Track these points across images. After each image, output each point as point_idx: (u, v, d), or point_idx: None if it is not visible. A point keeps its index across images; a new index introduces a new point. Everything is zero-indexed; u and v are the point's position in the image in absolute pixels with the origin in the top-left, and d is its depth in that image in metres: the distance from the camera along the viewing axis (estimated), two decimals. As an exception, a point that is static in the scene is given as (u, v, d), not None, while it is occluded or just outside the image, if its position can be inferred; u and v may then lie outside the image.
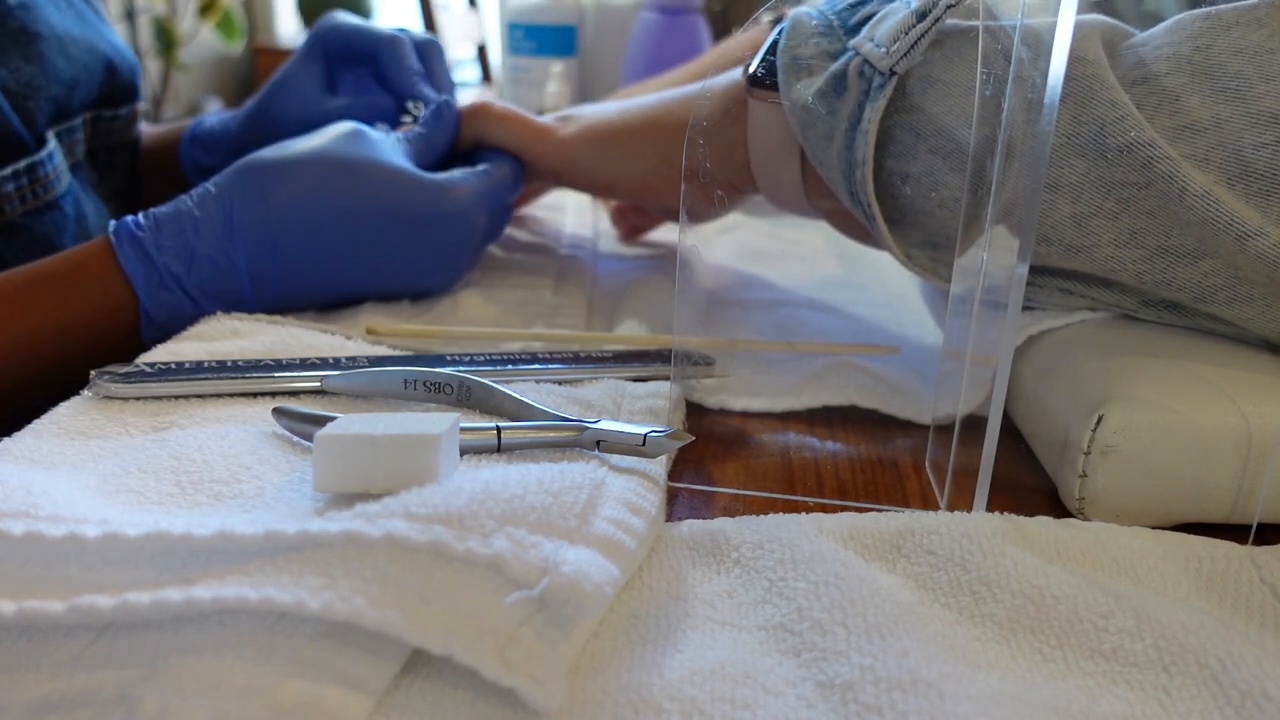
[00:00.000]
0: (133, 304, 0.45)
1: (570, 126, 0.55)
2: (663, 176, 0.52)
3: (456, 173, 0.51)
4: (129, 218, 0.46)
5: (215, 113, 0.67)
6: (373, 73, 0.61)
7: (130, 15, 2.71)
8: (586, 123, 0.54)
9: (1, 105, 0.52)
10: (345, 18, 0.63)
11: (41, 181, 0.54)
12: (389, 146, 0.50)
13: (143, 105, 0.66)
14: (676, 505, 0.36)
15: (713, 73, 0.47)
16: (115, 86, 0.62)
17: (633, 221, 0.67)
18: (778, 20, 0.47)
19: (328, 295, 0.50)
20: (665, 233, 0.68)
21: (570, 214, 0.73)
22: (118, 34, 0.65)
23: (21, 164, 0.53)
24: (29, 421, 0.36)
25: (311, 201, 0.47)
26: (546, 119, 0.57)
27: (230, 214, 0.46)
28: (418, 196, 0.49)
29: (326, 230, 0.47)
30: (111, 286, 0.45)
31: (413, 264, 0.50)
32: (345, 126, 0.50)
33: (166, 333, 0.45)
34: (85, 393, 0.38)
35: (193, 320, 0.45)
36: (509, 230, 0.67)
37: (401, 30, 0.62)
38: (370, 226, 0.48)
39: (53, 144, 0.56)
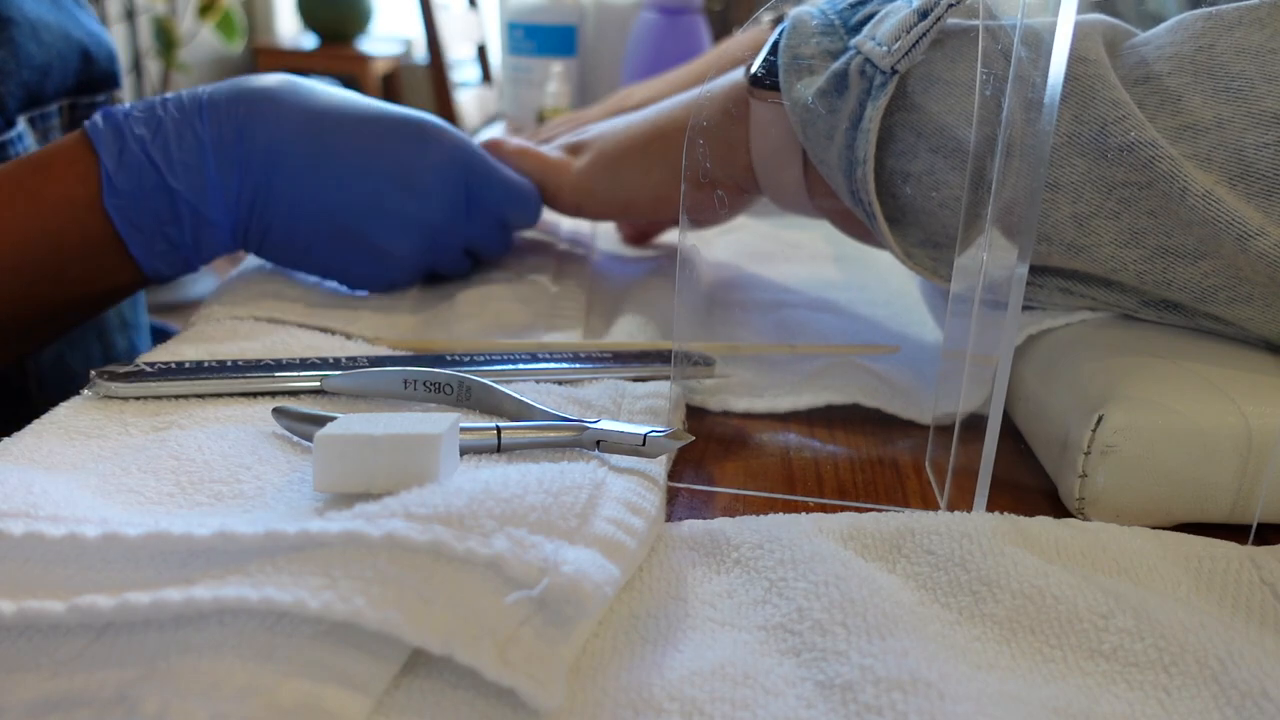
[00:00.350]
0: (96, 172, 0.44)
1: (581, 157, 0.55)
2: (675, 187, 0.52)
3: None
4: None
5: None
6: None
7: (130, 15, 2.71)
8: (596, 149, 0.54)
9: None
10: None
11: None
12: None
13: (120, 93, 0.66)
14: (676, 505, 0.36)
15: (713, 73, 0.47)
16: (92, 74, 0.62)
17: (639, 226, 0.67)
18: (778, 20, 0.47)
19: (297, 199, 0.48)
20: (666, 234, 0.68)
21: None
22: (97, 20, 0.65)
23: None
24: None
25: (284, 106, 0.48)
26: (555, 147, 0.57)
27: (199, 97, 0.47)
28: (402, 120, 0.50)
29: (293, 115, 0.48)
30: (79, 154, 0.45)
31: (391, 182, 0.49)
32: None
33: (128, 211, 0.45)
34: (85, 392, 0.38)
35: (157, 206, 0.45)
36: None
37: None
38: (340, 119, 0.49)
39: (21, 127, 0.56)
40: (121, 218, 0.45)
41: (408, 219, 0.50)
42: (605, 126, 0.56)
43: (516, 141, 0.56)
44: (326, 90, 0.50)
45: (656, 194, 0.53)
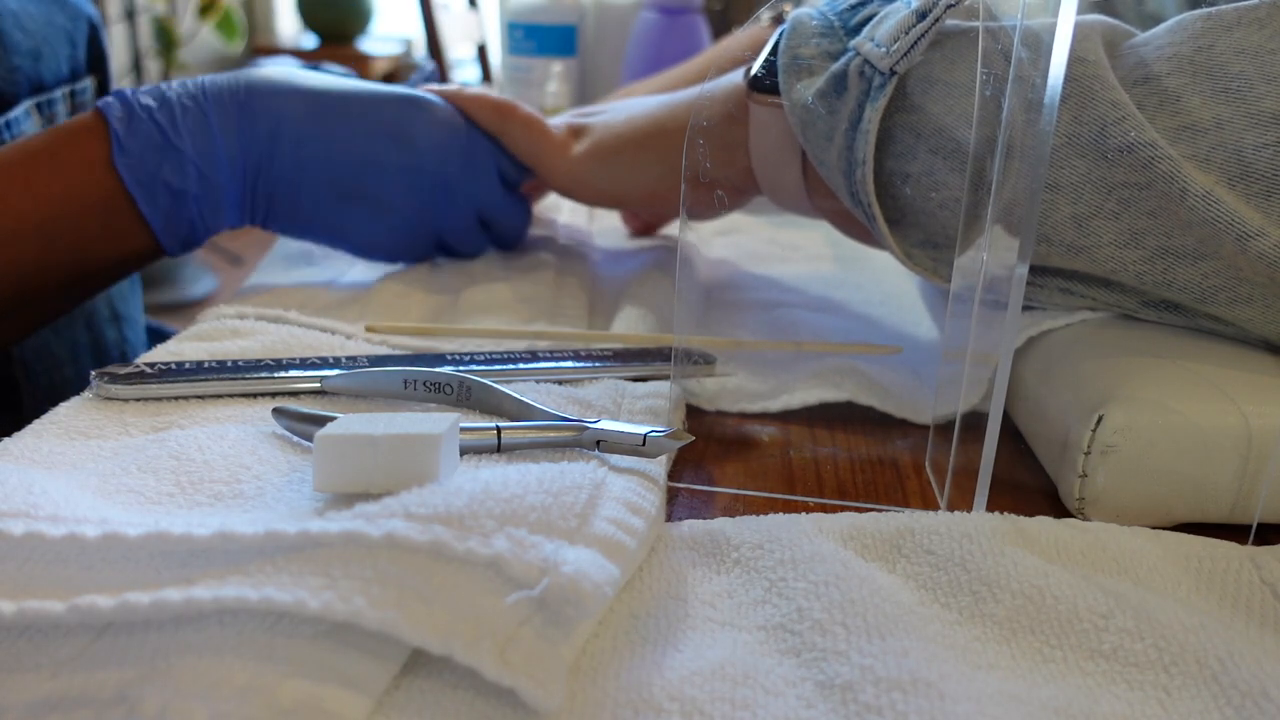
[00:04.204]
0: (106, 134, 0.47)
1: (581, 142, 0.55)
2: (670, 185, 0.53)
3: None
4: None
5: None
6: None
7: (130, 15, 2.70)
8: (596, 138, 0.54)
9: None
10: None
11: None
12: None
13: (101, 77, 0.66)
14: (676, 505, 0.36)
15: (713, 72, 0.47)
16: (77, 59, 0.64)
17: (643, 219, 0.67)
18: (778, 19, 0.47)
19: (299, 163, 0.51)
20: (667, 228, 0.69)
21: (565, 209, 0.73)
22: (92, 5, 0.66)
23: None
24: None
25: (287, 95, 0.50)
26: (562, 119, 0.57)
27: (201, 80, 0.50)
28: (396, 92, 0.53)
29: (296, 96, 0.50)
30: (91, 123, 0.47)
31: (397, 147, 0.52)
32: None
33: (136, 170, 0.47)
34: (85, 393, 0.38)
35: (163, 162, 0.47)
36: None
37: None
38: (342, 97, 0.51)
39: (18, 111, 0.56)
40: (131, 176, 0.47)
41: (402, 168, 0.52)
42: (608, 115, 0.56)
43: (526, 110, 0.56)
44: (325, 74, 0.52)
45: (651, 190, 0.54)
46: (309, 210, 0.51)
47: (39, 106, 0.59)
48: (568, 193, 0.57)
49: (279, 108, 0.50)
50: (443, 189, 0.53)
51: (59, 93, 0.61)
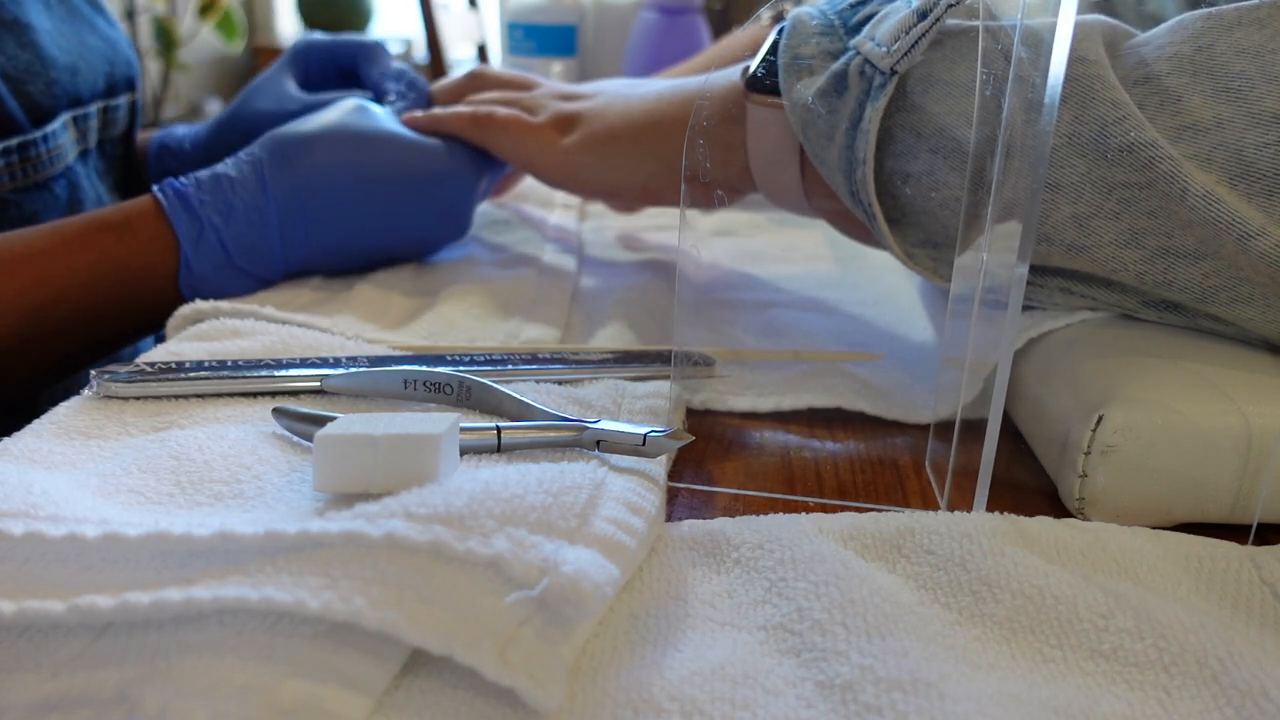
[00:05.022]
0: (175, 251, 0.49)
1: (571, 134, 0.55)
2: (664, 180, 0.52)
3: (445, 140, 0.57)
4: (171, 179, 0.51)
5: (182, 125, 0.71)
6: (346, 75, 0.66)
7: (130, 15, 2.71)
8: (586, 130, 0.54)
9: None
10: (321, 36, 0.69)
11: (32, 160, 0.56)
12: (389, 117, 0.56)
13: (133, 96, 0.68)
14: (676, 505, 0.36)
15: (713, 69, 0.47)
16: (114, 77, 0.65)
17: (631, 206, 0.67)
18: (778, 18, 0.47)
19: (351, 252, 0.54)
20: (655, 234, 0.69)
21: (557, 209, 0.73)
22: (116, 25, 0.67)
23: (13, 141, 0.54)
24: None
25: (332, 167, 0.52)
26: (547, 91, 0.58)
27: (263, 177, 0.51)
28: (421, 157, 0.54)
29: (346, 191, 0.52)
30: (159, 233, 0.49)
31: (423, 217, 0.55)
32: (351, 102, 0.56)
33: (199, 288, 0.49)
34: (85, 392, 0.38)
35: (224, 281, 0.50)
36: (493, 223, 0.67)
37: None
38: (383, 186, 0.53)
39: (56, 124, 0.58)
40: (192, 295, 0.49)
41: (452, 228, 0.57)
42: (600, 103, 0.56)
43: (504, 113, 0.56)
44: (377, 137, 0.54)
45: (645, 184, 0.54)
46: (339, 248, 0.54)
47: (75, 120, 0.60)
48: (559, 185, 0.57)
49: (325, 201, 0.52)
50: (456, 222, 0.57)
51: (93, 108, 0.62)
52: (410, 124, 0.56)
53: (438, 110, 0.58)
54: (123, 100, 0.66)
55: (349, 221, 0.53)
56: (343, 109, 0.55)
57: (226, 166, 0.51)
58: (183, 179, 0.50)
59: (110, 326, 0.49)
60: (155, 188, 0.50)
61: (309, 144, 0.52)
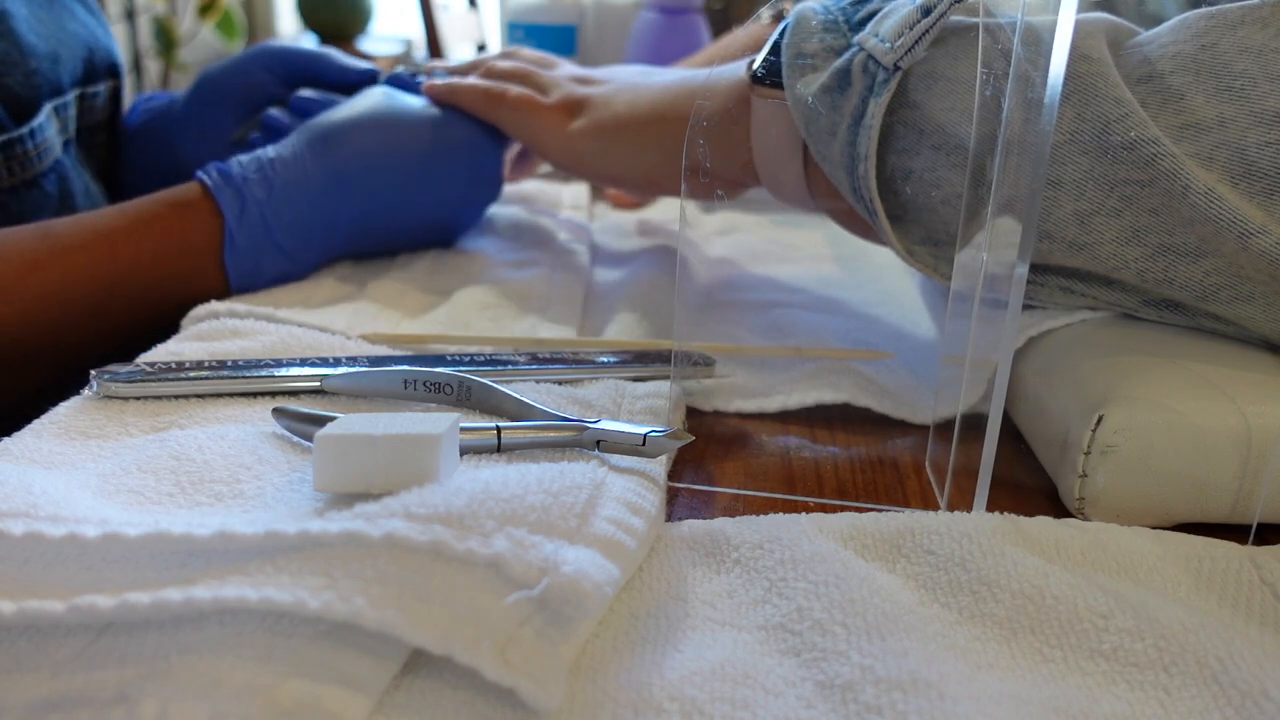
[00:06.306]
0: (221, 230, 0.50)
1: (579, 118, 0.55)
2: (667, 171, 0.53)
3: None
4: (215, 163, 0.52)
5: (160, 93, 0.71)
6: (310, 81, 0.67)
7: (130, 15, 2.71)
8: (593, 117, 0.54)
9: None
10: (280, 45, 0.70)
11: (20, 159, 0.56)
12: (412, 99, 0.58)
13: (116, 84, 0.67)
14: (676, 505, 0.36)
15: (716, 65, 0.47)
16: (93, 63, 0.64)
17: (634, 197, 0.68)
18: (779, 17, 0.47)
19: (390, 227, 0.56)
20: (664, 218, 0.69)
21: (566, 203, 0.73)
22: (99, 10, 0.67)
23: None
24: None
25: (369, 150, 0.54)
26: (562, 73, 0.58)
27: (302, 159, 0.53)
28: (448, 128, 0.57)
29: (383, 170, 0.54)
30: (209, 211, 0.50)
31: (456, 184, 0.57)
32: (378, 90, 0.58)
33: (242, 265, 0.50)
34: (85, 392, 0.38)
35: (264, 261, 0.51)
36: (504, 223, 0.67)
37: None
38: (417, 159, 0.55)
39: (41, 118, 0.57)
40: (237, 271, 0.50)
41: (483, 193, 0.60)
42: (609, 90, 0.56)
43: (517, 92, 0.57)
44: (408, 116, 0.56)
45: (648, 175, 0.54)
46: (378, 224, 0.56)
47: (56, 110, 0.59)
48: (564, 167, 0.58)
49: (364, 180, 0.54)
50: (487, 186, 0.60)
51: (71, 95, 0.61)
52: (428, 91, 0.58)
53: (455, 80, 0.58)
54: (103, 87, 0.65)
55: (387, 196, 0.54)
56: (372, 97, 0.57)
57: (266, 150, 0.53)
58: (226, 162, 0.52)
59: (174, 305, 0.49)
60: (199, 172, 0.51)
61: (345, 131, 0.54)
